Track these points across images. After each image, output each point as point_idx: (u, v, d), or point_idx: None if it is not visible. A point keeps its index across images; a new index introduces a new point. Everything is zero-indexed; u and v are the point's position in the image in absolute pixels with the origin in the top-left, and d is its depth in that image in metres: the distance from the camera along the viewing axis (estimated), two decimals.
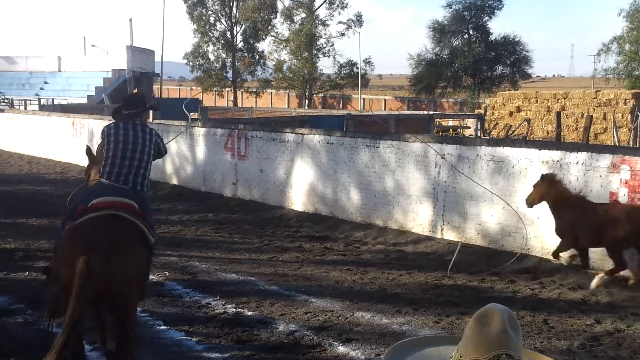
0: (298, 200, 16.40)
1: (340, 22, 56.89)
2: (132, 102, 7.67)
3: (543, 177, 10.92)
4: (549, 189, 10.76)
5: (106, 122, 7.77)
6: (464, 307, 9.32)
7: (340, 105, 60.79)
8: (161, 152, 8.08)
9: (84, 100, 46.09)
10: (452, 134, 30.88)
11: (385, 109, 54.59)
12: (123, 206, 6.56)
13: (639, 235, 9.89)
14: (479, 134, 32.55)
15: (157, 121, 22.13)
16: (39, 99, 47.75)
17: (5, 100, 44.16)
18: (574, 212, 10.53)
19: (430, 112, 37.89)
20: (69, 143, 25.73)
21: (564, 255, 10.80)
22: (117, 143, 7.17)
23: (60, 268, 6.40)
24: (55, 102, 44.20)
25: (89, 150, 8.64)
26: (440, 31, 54.69)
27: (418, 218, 13.85)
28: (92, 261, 5.63)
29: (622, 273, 10.19)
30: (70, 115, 27.31)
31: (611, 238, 10.07)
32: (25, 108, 42.47)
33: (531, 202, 11.05)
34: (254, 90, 62.30)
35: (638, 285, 9.98)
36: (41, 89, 54.26)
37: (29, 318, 8.98)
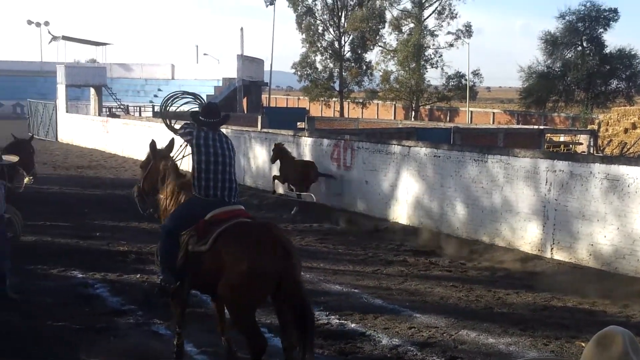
0: (403, 213, 16.30)
1: (449, 33, 56.29)
2: (213, 111, 7.57)
3: None
4: None
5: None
6: (575, 331, 9.02)
7: (447, 118, 60.17)
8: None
9: (196, 108, 47.35)
10: (564, 150, 30.02)
11: (493, 123, 53.64)
12: (246, 214, 7.12)
13: None
14: (591, 151, 31.52)
15: (265, 130, 22.51)
16: (153, 106, 49.37)
17: (121, 107, 45.82)
18: None
19: (541, 127, 36.95)
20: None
21: None
22: (208, 155, 7.17)
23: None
24: (172, 109, 45.49)
25: (153, 145, 8.41)
26: (552, 43, 53.28)
27: (526, 236, 13.50)
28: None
29: None
30: (182, 122, 28.04)
31: None
32: (140, 114, 43.98)
33: None
34: (361, 100, 62.37)
35: None
36: (155, 95, 56.11)
37: (139, 319, 9.26)
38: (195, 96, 8.60)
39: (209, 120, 7.43)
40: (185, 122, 7.75)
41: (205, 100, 8.77)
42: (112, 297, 10.35)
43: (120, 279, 11.33)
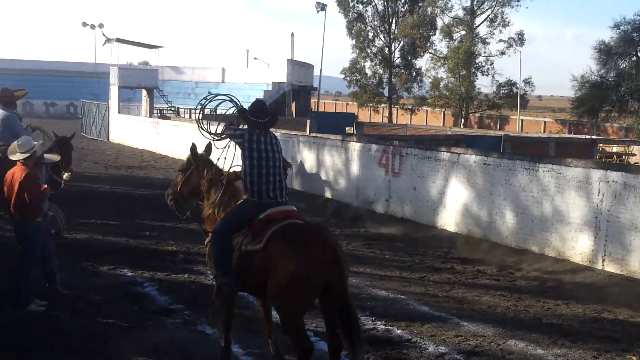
0: (451, 220, 16.17)
1: (500, 41, 55.78)
2: (262, 110, 7.47)
3: None
4: None
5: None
6: (626, 344, 8.85)
7: (497, 126, 59.61)
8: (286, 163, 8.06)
9: (232, 109, 47.68)
10: (617, 160, 29.49)
11: (544, 131, 52.95)
12: (298, 215, 7.20)
13: None
14: None
15: (314, 134, 22.54)
16: (203, 108, 49.75)
17: (172, 109, 46.34)
18: None
19: (593, 137, 36.38)
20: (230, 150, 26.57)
21: None
22: (260, 158, 7.15)
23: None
24: (218, 112, 45.92)
25: (194, 149, 8.35)
26: (606, 52, 52.38)
27: (577, 247, 13.27)
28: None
29: None
30: (221, 124, 28.19)
31: None
32: (190, 116, 44.41)
33: None
34: (410, 107, 62.16)
35: None
36: (205, 98, 56.58)
37: (187, 319, 9.33)
38: (230, 98, 8.38)
39: (259, 120, 7.35)
40: (229, 123, 7.72)
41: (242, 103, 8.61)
42: (161, 296, 10.45)
43: (168, 278, 11.44)
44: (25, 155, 9.37)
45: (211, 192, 7.95)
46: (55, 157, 12.25)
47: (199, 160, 8.23)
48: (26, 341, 8.05)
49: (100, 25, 76.27)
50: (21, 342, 7.99)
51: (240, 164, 7.32)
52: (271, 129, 7.53)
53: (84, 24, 77.91)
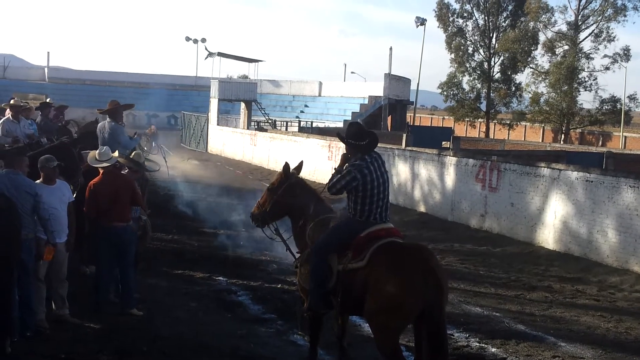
0: (549, 237, 15.73)
1: (605, 56, 54.07)
2: (361, 133, 7.30)
3: None
4: None
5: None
6: None
7: (600, 142, 57.80)
8: None
9: (340, 125, 47.86)
10: None
11: None
12: (397, 233, 7.19)
13: None
14: None
15: (409, 148, 22.41)
16: (299, 121, 50.29)
17: (269, 121, 46.94)
18: None
19: None
20: (324, 164, 26.69)
21: None
22: (372, 187, 7.05)
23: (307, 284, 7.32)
24: (314, 124, 46.29)
25: (287, 168, 8.17)
26: None
27: None
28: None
29: None
30: (327, 138, 28.38)
31: None
32: (286, 129, 44.90)
33: None
34: (508, 122, 61.03)
35: None
36: (301, 111, 57.17)
37: (279, 328, 9.38)
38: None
39: (359, 143, 7.20)
40: (336, 172, 7.32)
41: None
42: (254, 305, 10.56)
43: (261, 287, 11.54)
44: (106, 165, 9.60)
45: (305, 212, 7.83)
46: (155, 167, 12.57)
47: (292, 179, 8.13)
48: (124, 345, 8.24)
49: (203, 40, 78.00)
50: (120, 346, 8.18)
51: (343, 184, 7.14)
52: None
53: (187, 39, 79.83)
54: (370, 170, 7.08)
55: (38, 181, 8.60)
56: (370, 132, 7.48)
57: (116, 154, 10.07)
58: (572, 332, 9.91)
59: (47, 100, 24.15)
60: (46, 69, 71.43)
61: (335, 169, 7.40)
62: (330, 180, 7.25)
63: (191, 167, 31.40)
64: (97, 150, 9.88)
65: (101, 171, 9.64)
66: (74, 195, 9.52)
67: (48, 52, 74.74)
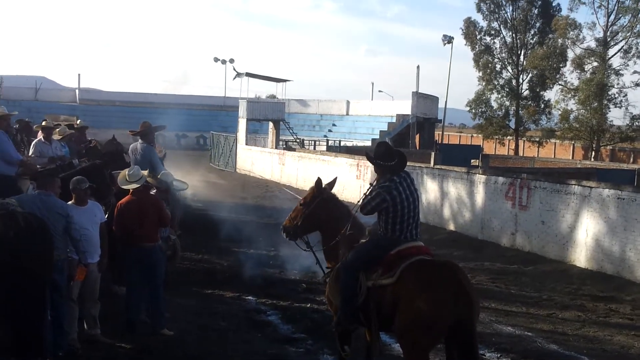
0: (581, 255, 15.56)
1: (635, 72, 53.61)
2: (389, 153, 7.29)
3: None
4: None
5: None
6: None
7: (631, 159, 57.17)
8: None
9: (368, 143, 47.86)
10: None
11: None
12: (427, 251, 7.20)
13: None
14: None
15: (438, 166, 22.34)
16: (327, 140, 50.37)
17: (297, 140, 47.10)
18: None
19: None
20: (353, 183, 26.69)
21: None
22: (402, 207, 7.08)
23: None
24: (342, 143, 46.35)
25: (319, 183, 8.20)
26: None
27: None
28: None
29: None
30: (355, 157, 28.38)
31: None
32: (314, 148, 44.99)
33: None
34: (537, 139, 60.65)
35: None
36: (329, 130, 57.28)
37: (309, 348, 9.36)
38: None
39: (389, 164, 7.22)
40: (366, 194, 7.36)
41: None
42: (284, 325, 10.56)
43: (291, 307, 11.54)
44: (136, 185, 9.68)
45: (336, 227, 7.83)
46: (183, 186, 12.64)
47: (324, 194, 8.17)
48: None
49: (231, 60, 78.53)
50: None
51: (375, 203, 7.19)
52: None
53: (216, 59, 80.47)
54: (400, 191, 7.10)
55: (70, 202, 8.71)
56: (399, 151, 7.48)
57: (145, 172, 10.16)
58: (605, 351, 9.78)
59: (78, 121, 24.51)
60: (77, 91, 72.39)
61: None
62: (362, 200, 7.30)
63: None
64: (127, 171, 9.97)
65: (130, 191, 9.74)
66: (106, 215, 9.63)
67: (79, 74, 75.76)
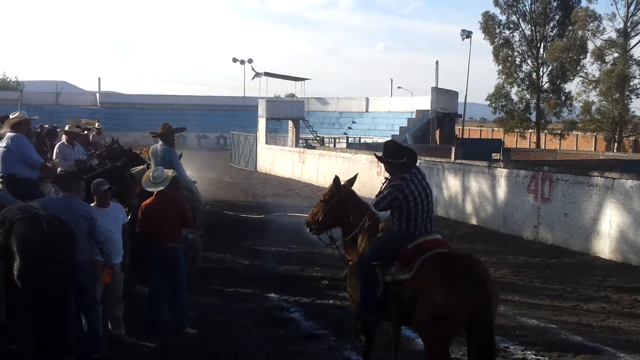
0: (605, 247, 15.45)
1: None
2: (398, 151, 7.36)
3: None
4: None
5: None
6: None
7: None
8: None
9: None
10: None
11: None
12: (445, 243, 7.26)
13: None
14: None
15: (459, 161, 22.27)
16: (347, 137, 50.36)
17: (317, 138, 47.11)
18: None
19: None
20: (374, 180, 26.62)
21: None
22: (415, 206, 7.14)
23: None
24: (362, 140, 46.32)
25: (337, 181, 8.33)
26: None
27: None
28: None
29: None
30: (375, 153, 28.29)
31: None
32: (334, 146, 44.99)
33: None
34: (558, 132, 60.23)
35: None
36: (349, 128, 57.32)
37: (332, 344, 9.38)
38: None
39: (399, 161, 7.30)
40: (379, 193, 7.46)
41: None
42: (306, 322, 10.58)
43: (314, 303, 11.56)
44: (160, 188, 9.74)
45: (355, 223, 7.93)
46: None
47: (343, 191, 8.26)
48: None
49: (250, 60, 78.57)
50: None
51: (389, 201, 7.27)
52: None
53: (234, 60, 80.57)
54: (411, 188, 7.16)
55: (92, 204, 8.78)
56: (408, 148, 7.57)
57: (170, 172, 10.21)
58: (630, 342, 9.70)
59: (97, 125, 24.82)
60: (97, 94, 72.97)
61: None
62: (377, 196, 7.42)
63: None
64: (151, 172, 10.03)
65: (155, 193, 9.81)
66: (129, 216, 9.70)
67: (99, 78, 76.34)
